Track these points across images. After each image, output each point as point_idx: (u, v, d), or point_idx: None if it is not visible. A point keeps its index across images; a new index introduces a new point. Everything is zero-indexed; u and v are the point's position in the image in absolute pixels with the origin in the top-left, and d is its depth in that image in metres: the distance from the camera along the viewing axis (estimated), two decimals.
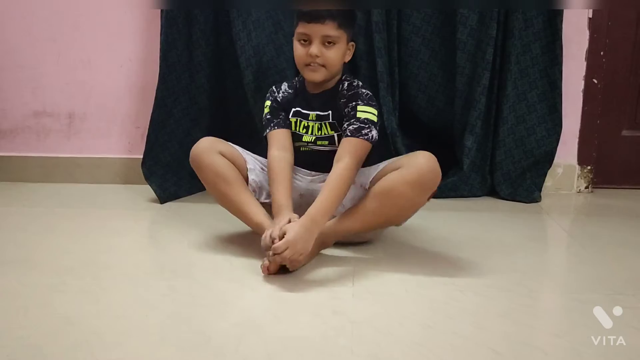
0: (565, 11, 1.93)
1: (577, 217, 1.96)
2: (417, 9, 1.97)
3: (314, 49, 1.42)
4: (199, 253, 1.48)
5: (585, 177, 2.15)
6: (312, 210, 1.31)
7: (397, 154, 2.03)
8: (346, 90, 1.49)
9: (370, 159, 1.48)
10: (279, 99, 1.54)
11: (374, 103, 1.47)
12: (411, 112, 2.12)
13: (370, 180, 1.42)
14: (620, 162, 2.18)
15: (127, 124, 2.19)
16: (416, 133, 2.16)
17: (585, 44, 2.06)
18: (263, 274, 1.30)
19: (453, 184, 2.05)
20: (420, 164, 1.34)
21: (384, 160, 2.01)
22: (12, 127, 2.22)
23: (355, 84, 1.50)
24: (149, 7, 2.05)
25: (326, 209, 1.32)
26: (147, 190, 2.01)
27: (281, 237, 1.27)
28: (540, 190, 2.06)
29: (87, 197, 2.04)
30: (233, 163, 1.46)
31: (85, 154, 2.21)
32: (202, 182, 1.48)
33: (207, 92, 2.04)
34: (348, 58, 1.50)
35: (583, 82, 2.08)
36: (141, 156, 2.03)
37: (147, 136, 2.01)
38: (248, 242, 1.51)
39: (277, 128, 1.51)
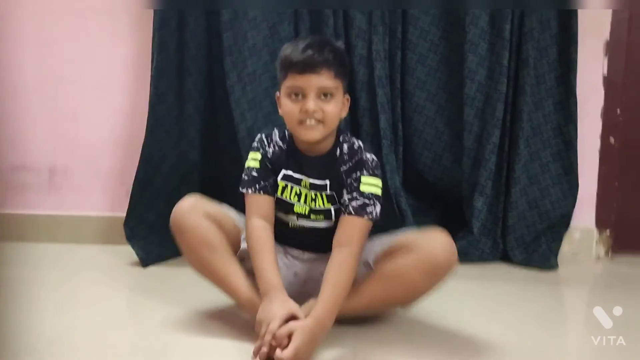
0: (579, 68, 1.84)
1: (598, 287, 1.81)
2: (424, 10, 1.87)
3: (311, 103, 1.22)
4: (179, 330, 1.30)
5: (604, 242, 1.99)
6: (319, 312, 1.15)
7: (402, 215, 1.89)
8: (347, 154, 1.30)
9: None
10: (269, 155, 1.33)
11: (379, 172, 1.30)
12: (416, 171, 1.99)
13: (374, 258, 1.27)
14: None
15: (111, 180, 2.05)
16: (421, 193, 2.04)
17: (600, 102, 1.95)
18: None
19: (462, 248, 1.89)
20: (436, 250, 1.19)
21: (387, 224, 1.87)
22: None
23: (356, 146, 1.32)
24: (142, 7, 1.92)
25: (333, 309, 1.17)
26: (130, 252, 1.85)
27: (287, 336, 1.10)
28: (556, 257, 1.90)
29: (64, 259, 1.88)
30: (220, 227, 1.30)
31: (65, 211, 2.06)
32: (182, 247, 1.31)
33: (198, 148, 1.91)
34: (344, 114, 1.31)
35: (599, 141, 1.96)
36: (125, 215, 1.88)
37: (131, 194, 1.87)
38: (236, 317, 1.34)
39: (263, 193, 1.31)
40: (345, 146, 1.31)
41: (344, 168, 1.29)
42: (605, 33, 1.92)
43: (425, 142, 1.95)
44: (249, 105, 1.82)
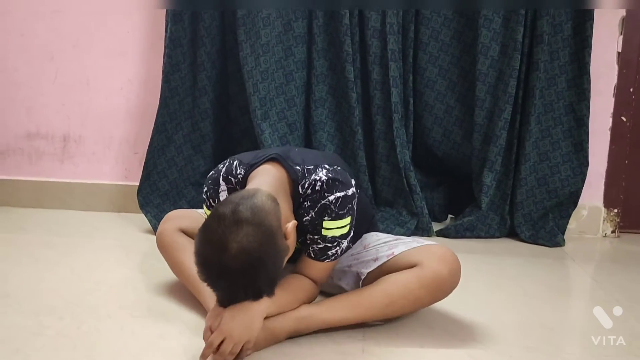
0: (593, 44, 1.82)
1: (604, 264, 1.82)
2: (437, 9, 1.87)
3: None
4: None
5: (611, 221, 2.00)
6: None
7: (410, 190, 1.91)
8: (309, 202, 1.13)
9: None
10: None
11: (348, 206, 1.12)
12: (426, 146, 2.00)
13: (368, 271, 1.22)
14: None
15: (124, 149, 2.07)
16: (431, 168, 2.05)
17: (613, 80, 1.94)
18: None
19: (470, 224, 1.91)
20: (441, 270, 1.15)
21: (396, 199, 1.88)
22: (3, 149, 2.10)
23: (317, 186, 1.12)
24: (154, 7, 1.93)
25: (278, 302, 1.07)
26: (143, 220, 1.89)
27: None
28: (563, 234, 1.91)
29: (78, 226, 1.92)
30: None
31: (79, 179, 2.09)
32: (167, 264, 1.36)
33: (211, 118, 1.93)
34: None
35: (611, 120, 1.95)
36: (138, 183, 1.91)
37: (145, 162, 1.89)
38: None
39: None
40: (302, 200, 1.14)
41: (306, 218, 1.14)
42: (621, 10, 1.89)
43: (436, 117, 1.95)
44: (262, 76, 1.82)
